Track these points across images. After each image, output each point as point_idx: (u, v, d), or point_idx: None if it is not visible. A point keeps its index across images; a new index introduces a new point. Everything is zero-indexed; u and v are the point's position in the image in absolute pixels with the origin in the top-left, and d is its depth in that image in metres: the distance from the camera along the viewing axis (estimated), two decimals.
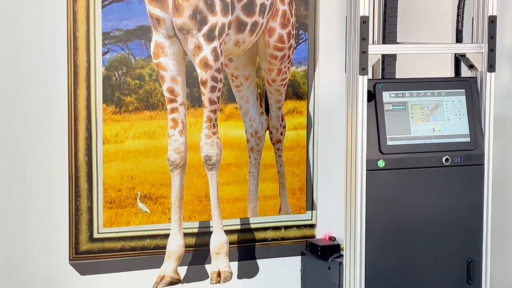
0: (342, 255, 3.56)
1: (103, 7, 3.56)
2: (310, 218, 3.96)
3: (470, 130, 3.46)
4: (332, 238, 3.90)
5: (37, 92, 3.52)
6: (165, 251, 3.74)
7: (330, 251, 3.82)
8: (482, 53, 3.49)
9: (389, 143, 3.38)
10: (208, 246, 3.80)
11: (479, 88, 3.50)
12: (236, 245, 3.86)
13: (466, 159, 3.45)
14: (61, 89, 3.54)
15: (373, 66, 3.48)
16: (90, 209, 3.61)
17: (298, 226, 3.95)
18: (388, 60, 3.61)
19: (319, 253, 3.83)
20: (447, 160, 3.43)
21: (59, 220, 3.59)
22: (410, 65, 3.89)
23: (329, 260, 3.78)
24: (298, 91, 3.91)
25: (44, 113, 3.54)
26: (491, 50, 3.47)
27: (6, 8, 3.46)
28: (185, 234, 3.76)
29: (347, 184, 3.40)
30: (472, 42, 3.52)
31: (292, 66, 3.88)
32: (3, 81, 3.50)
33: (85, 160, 3.59)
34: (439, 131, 3.44)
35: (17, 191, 3.54)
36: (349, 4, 3.37)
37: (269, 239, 3.92)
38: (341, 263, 3.64)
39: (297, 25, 3.87)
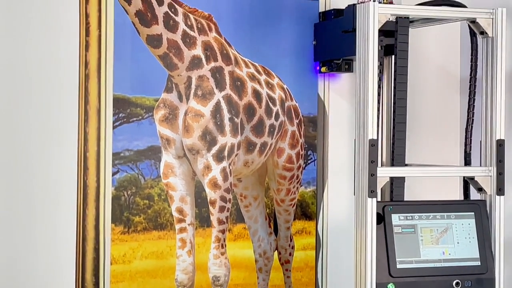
0: None
1: (114, 127, 3.60)
2: None
3: (480, 253, 3.44)
4: None
5: (45, 213, 3.52)
6: None
7: None
8: (490, 176, 3.49)
9: (399, 266, 3.35)
10: None
11: (488, 211, 3.49)
12: None
13: (477, 283, 3.42)
14: (70, 209, 3.53)
15: (382, 188, 3.48)
16: None
17: None
18: (396, 182, 3.61)
19: None
20: (457, 284, 3.39)
21: None
22: (419, 187, 3.89)
23: None
24: (307, 211, 3.90)
25: (52, 233, 3.52)
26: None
27: (14, 129, 3.49)
28: None
29: None
30: (480, 165, 3.53)
31: (301, 186, 3.89)
32: (13, 203, 3.50)
33: (92, 280, 3.56)
34: (449, 254, 3.42)
35: None
36: (357, 127, 3.40)
37: None
38: None
39: (306, 146, 3.89)
